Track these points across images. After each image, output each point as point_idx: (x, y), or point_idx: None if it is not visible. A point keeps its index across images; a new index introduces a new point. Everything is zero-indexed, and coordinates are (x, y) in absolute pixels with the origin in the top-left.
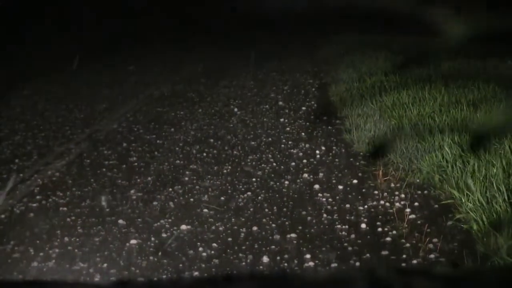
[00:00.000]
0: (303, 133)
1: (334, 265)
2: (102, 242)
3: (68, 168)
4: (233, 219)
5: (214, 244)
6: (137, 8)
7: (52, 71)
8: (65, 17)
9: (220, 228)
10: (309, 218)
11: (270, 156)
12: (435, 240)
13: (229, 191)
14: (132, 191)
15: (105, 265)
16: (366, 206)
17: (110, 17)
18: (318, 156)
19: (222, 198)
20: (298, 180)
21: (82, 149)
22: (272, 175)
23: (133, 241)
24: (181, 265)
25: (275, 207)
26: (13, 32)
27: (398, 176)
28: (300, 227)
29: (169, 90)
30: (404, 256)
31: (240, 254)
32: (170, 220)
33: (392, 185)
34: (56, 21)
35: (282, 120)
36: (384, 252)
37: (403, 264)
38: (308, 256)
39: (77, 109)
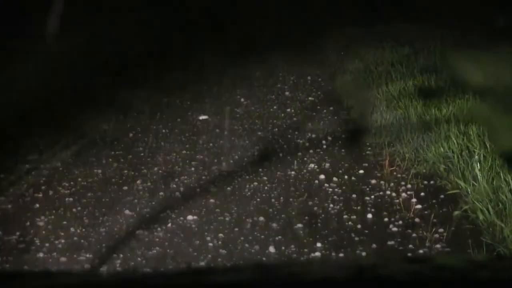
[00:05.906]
0: (309, 123)
1: (340, 255)
2: (108, 232)
3: (74, 158)
4: (239, 209)
5: (221, 234)
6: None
7: (54, 64)
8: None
9: (227, 218)
10: (315, 208)
11: (276, 146)
12: (441, 230)
13: (236, 181)
14: (139, 182)
15: (111, 255)
16: (372, 196)
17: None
18: (324, 146)
19: (229, 188)
20: (305, 170)
21: (88, 140)
22: (279, 165)
23: (139, 232)
24: (187, 255)
25: (281, 197)
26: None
27: (404, 166)
28: (306, 218)
29: (175, 80)
30: (410, 246)
31: (247, 245)
32: (176, 210)
33: (398, 175)
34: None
35: (288, 110)
36: (391, 242)
37: (409, 254)
38: (314, 246)
39: (83, 99)
